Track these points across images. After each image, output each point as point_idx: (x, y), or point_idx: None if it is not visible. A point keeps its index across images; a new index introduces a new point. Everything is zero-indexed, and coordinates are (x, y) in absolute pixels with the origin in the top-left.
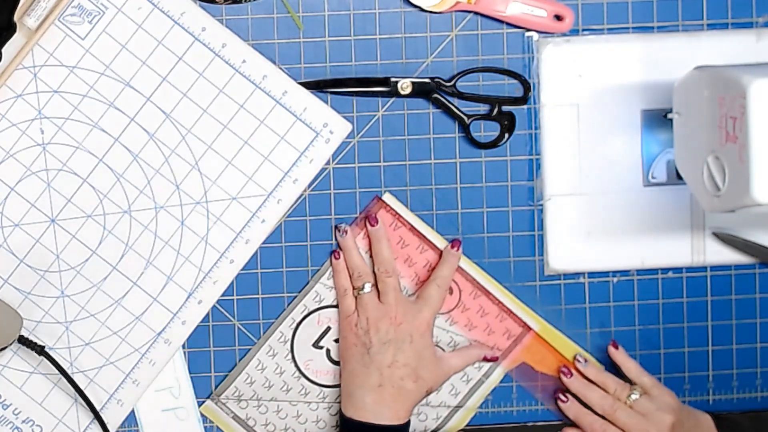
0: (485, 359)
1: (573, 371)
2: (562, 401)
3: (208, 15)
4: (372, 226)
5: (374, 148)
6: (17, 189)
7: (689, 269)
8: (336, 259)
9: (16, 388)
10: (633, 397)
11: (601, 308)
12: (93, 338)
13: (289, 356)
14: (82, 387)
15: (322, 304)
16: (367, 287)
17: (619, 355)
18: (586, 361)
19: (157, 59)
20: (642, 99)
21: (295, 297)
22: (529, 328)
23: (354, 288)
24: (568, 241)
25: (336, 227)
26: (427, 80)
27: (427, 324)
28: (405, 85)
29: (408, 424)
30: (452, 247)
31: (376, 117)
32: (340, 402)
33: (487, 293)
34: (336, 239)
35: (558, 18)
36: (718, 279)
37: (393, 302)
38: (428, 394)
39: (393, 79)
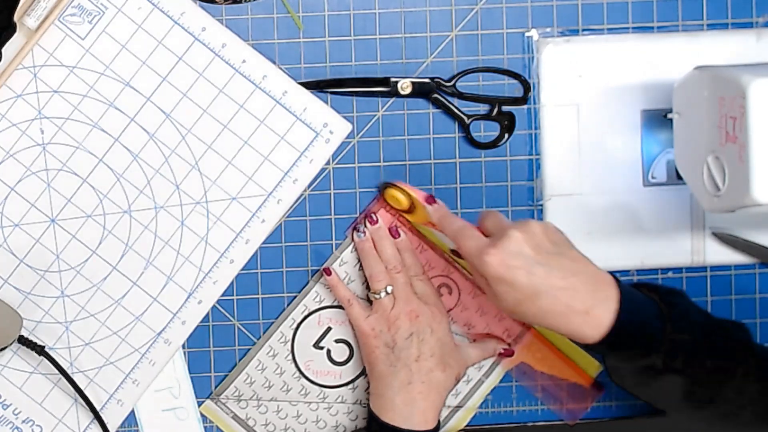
0: (500, 354)
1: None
2: None
3: (208, 15)
4: (372, 225)
5: (374, 148)
6: (17, 189)
7: (689, 269)
8: (328, 275)
9: (16, 388)
10: None
11: None
12: (93, 338)
13: (290, 356)
14: (82, 387)
15: (323, 305)
16: (387, 289)
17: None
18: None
19: (157, 59)
20: (642, 99)
21: (295, 297)
22: (529, 328)
23: (372, 291)
24: None
25: (355, 228)
26: (427, 80)
27: (440, 312)
28: (405, 85)
29: (437, 428)
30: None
31: (376, 117)
32: (368, 400)
33: None
34: (353, 239)
35: None
36: (718, 279)
37: (406, 297)
38: (457, 382)
39: (393, 79)
